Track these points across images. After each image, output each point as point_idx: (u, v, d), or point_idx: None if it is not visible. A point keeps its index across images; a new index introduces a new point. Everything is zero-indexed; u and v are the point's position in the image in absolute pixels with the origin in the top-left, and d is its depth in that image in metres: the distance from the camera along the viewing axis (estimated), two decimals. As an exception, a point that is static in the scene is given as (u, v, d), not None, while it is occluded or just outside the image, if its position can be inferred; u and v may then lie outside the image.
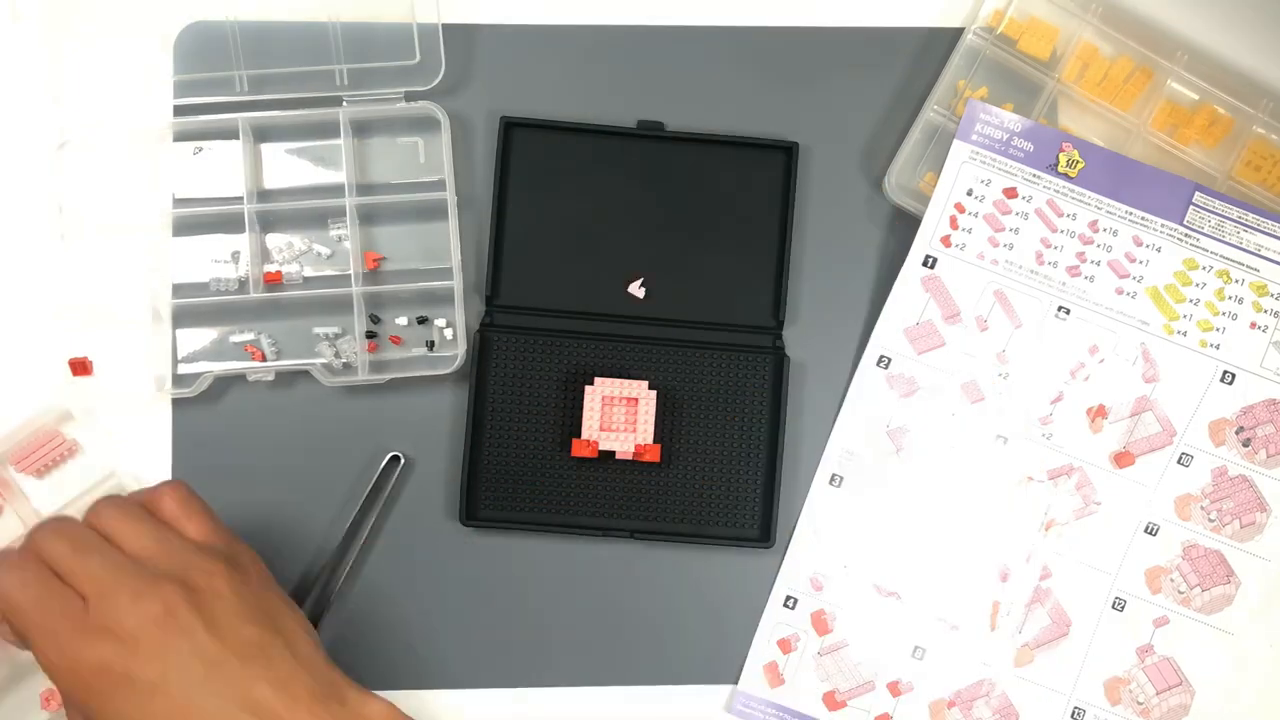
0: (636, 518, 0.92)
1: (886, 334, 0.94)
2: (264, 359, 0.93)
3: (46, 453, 0.91)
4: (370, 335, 0.93)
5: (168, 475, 0.92)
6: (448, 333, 0.94)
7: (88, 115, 0.94)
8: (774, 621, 0.92)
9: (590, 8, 0.98)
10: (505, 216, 0.94)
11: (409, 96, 0.94)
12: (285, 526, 0.93)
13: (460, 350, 0.92)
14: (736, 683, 0.93)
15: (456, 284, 0.92)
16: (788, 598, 0.92)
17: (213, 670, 0.69)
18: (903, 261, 0.94)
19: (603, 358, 0.93)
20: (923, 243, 0.93)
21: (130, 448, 0.92)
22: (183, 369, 0.93)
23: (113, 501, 0.76)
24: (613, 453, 0.90)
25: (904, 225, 0.95)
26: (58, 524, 0.74)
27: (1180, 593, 0.93)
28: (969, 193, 0.93)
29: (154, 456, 0.93)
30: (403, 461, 0.92)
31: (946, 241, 0.93)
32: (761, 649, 0.92)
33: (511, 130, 0.94)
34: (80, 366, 0.91)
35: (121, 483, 0.91)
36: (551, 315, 0.94)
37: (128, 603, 0.69)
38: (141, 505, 0.77)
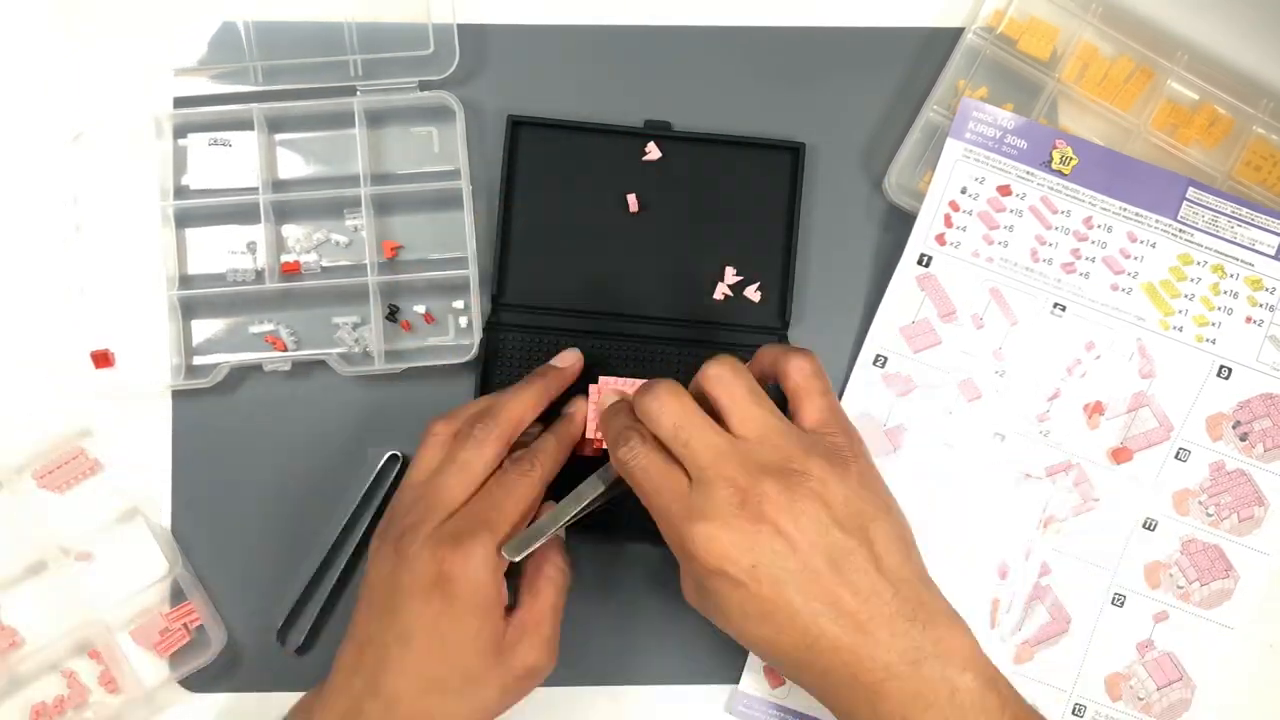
0: (639, 517, 0.92)
1: (882, 333, 0.94)
2: (285, 349, 0.94)
3: (69, 471, 0.92)
4: (392, 318, 0.94)
5: (168, 468, 0.94)
6: (463, 320, 0.95)
7: (101, 108, 0.95)
8: (775, 620, 0.93)
9: (598, 8, 0.99)
10: (512, 215, 0.95)
11: (423, 86, 0.95)
12: (285, 521, 0.94)
13: (476, 338, 0.93)
14: (737, 683, 0.93)
15: (472, 272, 0.93)
16: (788, 596, 0.93)
17: (801, 573, 0.70)
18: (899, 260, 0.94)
19: (608, 357, 0.94)
20: (918, 241, 0.94)
21: (135, 441, 0.94)
22: (199, 360, 0.94)
23: (729, 366, 0.76)
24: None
25: (903, 225, 0.96)
26: (667, 395, 0.75)
27: (1179, 588, 0.93)
28: (963, 191, 0.94)
29: (155, 448, 0.94)
30: (401, 460, 0.93)
31: (941, 240, 0.94)
32: (762, 648, 0.93)
33: (518, 129, 0.95)
34: (103, 359, 0.92)
35: (136, 504, 0.92)
36: (557, 314, 0.94)
37: (723, 494, 0.71)
38: (757, 373, 0.79)
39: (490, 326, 0.94)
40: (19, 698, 0.91)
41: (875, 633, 0.70)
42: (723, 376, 0.75)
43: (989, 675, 0.71)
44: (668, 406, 0.74)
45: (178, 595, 0.92)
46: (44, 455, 0.92)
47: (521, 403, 0.83)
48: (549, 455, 0.82)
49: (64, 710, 0.91)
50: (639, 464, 0.75)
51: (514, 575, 0.79)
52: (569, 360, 0.89)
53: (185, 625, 0.91)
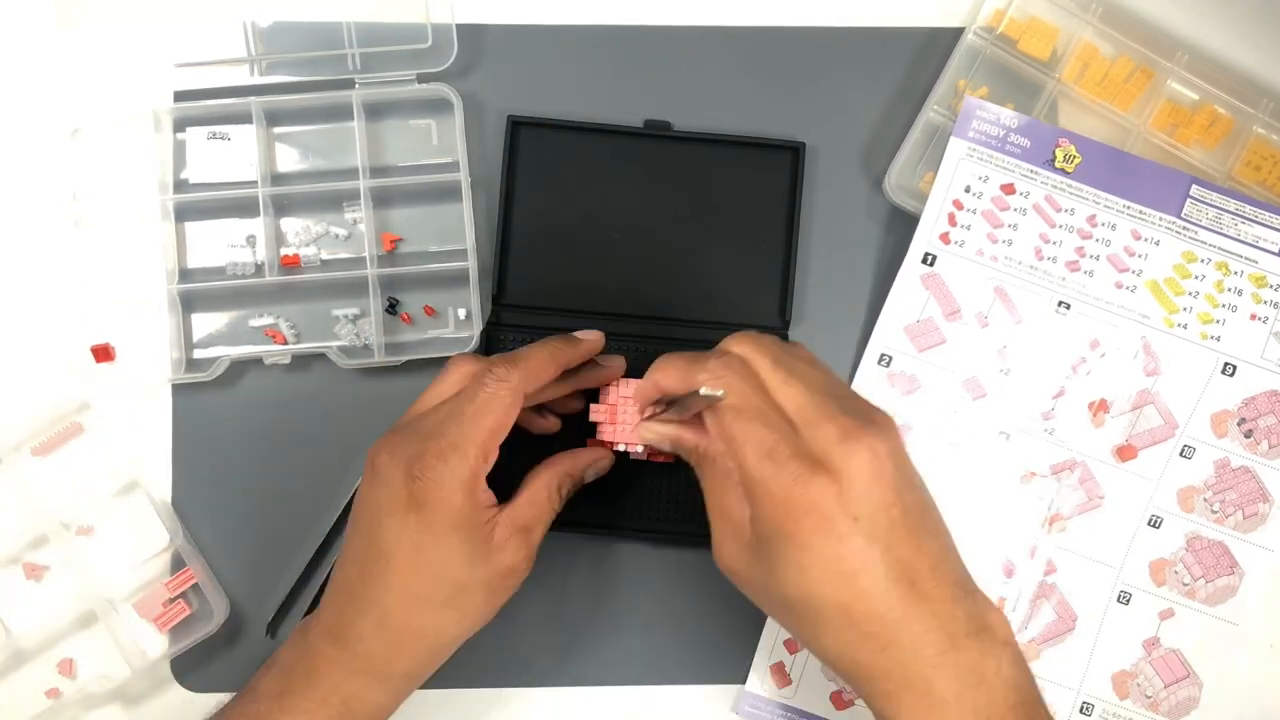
0: (644, 517, 0.92)
1: (887, 332, 0.94)
2: (285, 342, 0.93)
3: (66, 444, 0.92)
4: (392, 310, 0.94)
5: (168, 462, 0.93)
6: (462, 312, 0.95)
7: (100, 102, 0.95)
8: (780, 621, 0.92)
9: (598, 8, 0.99)
10: (512, 215, 0.94)
11: (421, 79, 0.95)
12: (283, 515, 0.93)
13: (476, 330, 0.93)
14: (743, 683, 0.92)
15: (471, 264, 0.93)
16: (792, 596, 0.92)
17: (889, 528, 0.66)
18: (902, 260, 0.94)
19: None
20: (922, 240, 0.94)
21: (136, 434, 0.93)
22: (199, 354, 0.93)
23: (762, 342, 0.73)
24: (626, 453, 0.89)
25: (904, 225, 0.96)
26: (754, 342, 0.73)
27: (1185, 585, 0.93)
28: (967, 189, 0.94)
29: (155, 442, 0.93)
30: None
31: (945, 239, 0.94)
32: (768, 649, 0.92)
33: (518, 129, 0.95)
34: (103, 353, 0.92)
35: (136, 478, 0.92)
36: (557, 314, 0.94)
37: (837, 438, 0.67)
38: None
39: (491, 326, 0.93)
40: (24, 671, 0.90)
41: (945, 594, 0.67)
42: (770, 345, 0.74)
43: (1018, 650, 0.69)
44: (763, 348, 0.73)
45: (180, 569, 0.91)
46: (42, 432, 0.92)
47: (541, 357, 0.78)
48: (532, 366, 0.78)
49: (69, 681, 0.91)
50: (742, 388, 0.71)
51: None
52: (591, 336, 0.84)
53: (186, 597, 0.91)
